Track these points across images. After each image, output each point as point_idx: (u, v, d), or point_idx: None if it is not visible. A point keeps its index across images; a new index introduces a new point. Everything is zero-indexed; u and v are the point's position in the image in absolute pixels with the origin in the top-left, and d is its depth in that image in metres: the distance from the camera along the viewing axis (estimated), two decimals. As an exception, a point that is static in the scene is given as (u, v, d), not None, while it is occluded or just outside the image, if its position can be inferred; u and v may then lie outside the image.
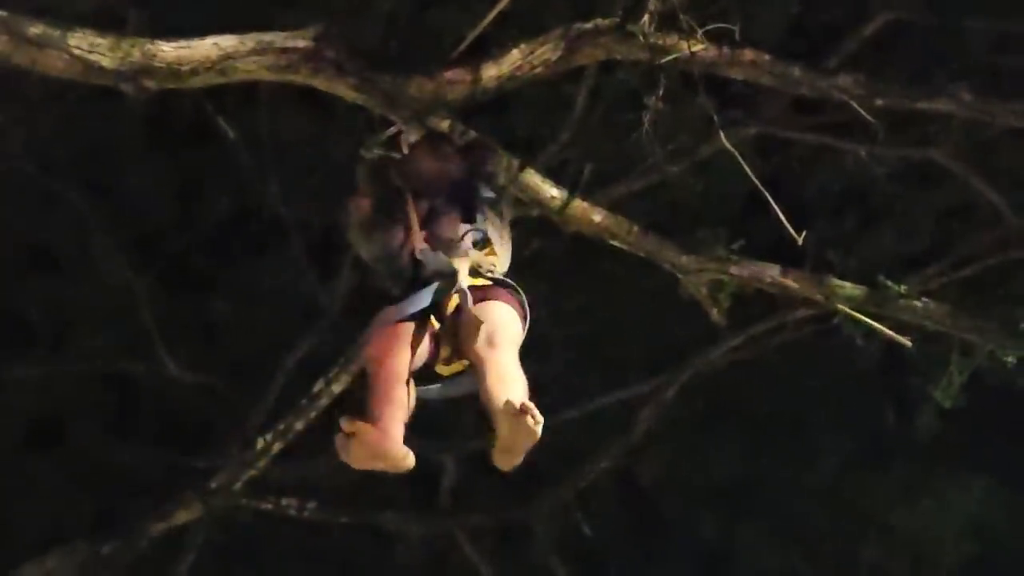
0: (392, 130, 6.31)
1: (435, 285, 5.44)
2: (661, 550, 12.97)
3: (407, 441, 5.09)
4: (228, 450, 10.69)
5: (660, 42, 6.75)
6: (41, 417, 11.30)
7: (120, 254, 10.47)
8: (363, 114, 6.79)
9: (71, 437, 11.48)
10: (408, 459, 5.07)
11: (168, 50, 5.88)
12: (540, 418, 4.80)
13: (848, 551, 12.85)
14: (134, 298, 10.50)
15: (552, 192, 7.08)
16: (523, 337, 5.50)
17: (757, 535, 12.88)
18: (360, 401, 5.15)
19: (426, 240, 5.64)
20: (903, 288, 8.10)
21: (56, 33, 5.67)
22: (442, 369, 5.52)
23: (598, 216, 7.31)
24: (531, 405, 4.81)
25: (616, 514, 12.80)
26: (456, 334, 5.40)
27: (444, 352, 5.46)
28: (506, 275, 5.74)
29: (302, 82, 6.28)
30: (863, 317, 7.94)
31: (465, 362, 5.46)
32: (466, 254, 5.59)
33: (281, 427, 10.34)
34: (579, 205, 7.19)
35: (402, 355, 5.23)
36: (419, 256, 5.59)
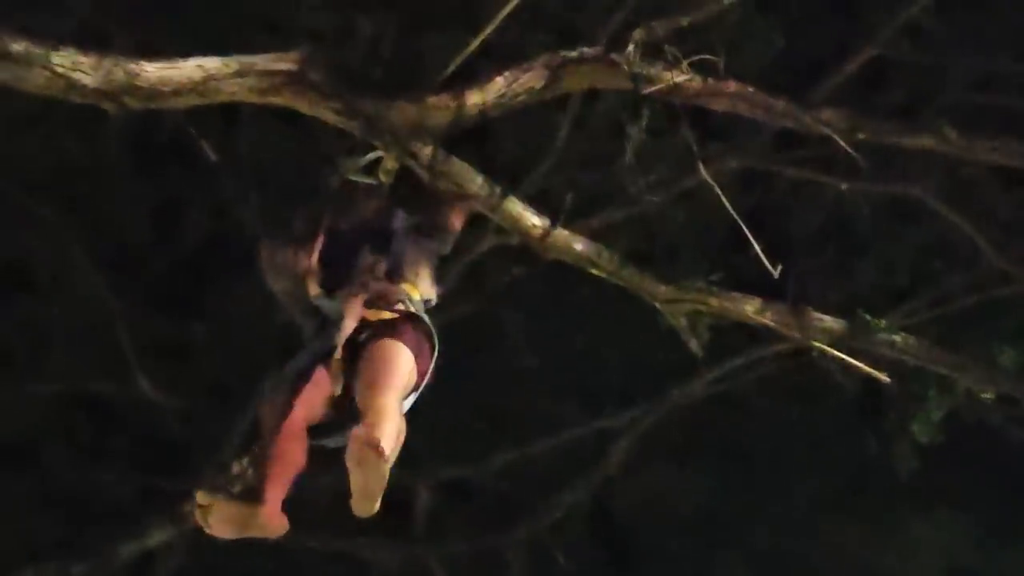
0: (372, 155, 6.30)
1: (313, 345, 5.46)
2: (635, 582, 12.95)
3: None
4: (202, 473, 10.64)
5: (644, 72, 6.75)
6: (14, 437, 11.22)
7: (98, 274, 10.42)
8: (346, 138, 6.78)
9: (44, 458, 11.41)
10: (281, 527, 5.05)
11: (151, 70, 5.85)
12: (386, 454, 4.74)
13: (823, 586, 12.84)
14: (111, 318, 10.45)
15: (534, 220, 7.07)
16: (428, 372, 5.48)
17: (732, 568, 12.85)
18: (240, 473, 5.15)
19: (321, 283, 5.66)
20: (882, 323, 8.11)
21: (39, 51, 5.64)
22: None
23: (579, 245, 7.30)
24: (378, 439, 4.74)
25: (591, 545, 12.77)
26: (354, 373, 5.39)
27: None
28: (428, 303, 5.74)
29: (284, 105, 6.26)
30: (838, 353, 7.94)
31: None
32: (364, 288, 5.58)
33: (256, 450, 10.30)
34: (561, 234, 7.18)
35: (291, 416, 5.23)
36: (314, 302, 5.63)
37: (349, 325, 5.43)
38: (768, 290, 7.89)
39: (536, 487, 11.63)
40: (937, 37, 8.67)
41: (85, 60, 5.73)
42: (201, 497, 4.99)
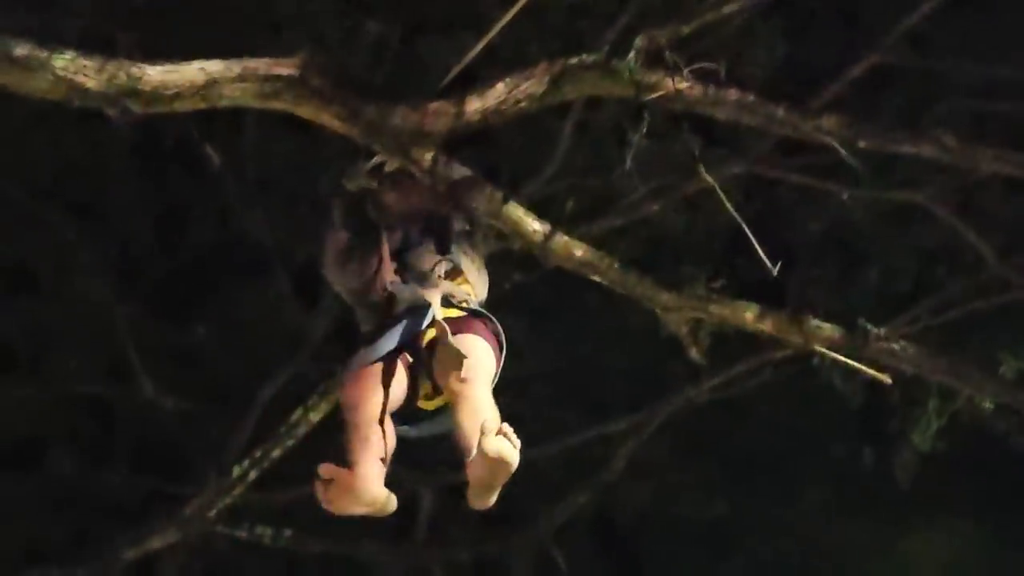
0: (375, 160, 6.30)
1: (404, 323, 5.41)
2: (638, 588, 12.96)
3: (388, 482, 5.05)
4: (205, 476, 10.65)
5: (645, 79, 6.74)
6: (18, 440, 11.24)
7: (102, 277, 10.44)
8: (349, 143, 6.78)
9: (48, 460, 11.43)
10: (390, 502, 5.04)
11: (154, 74, 5.84)
12: (517, 441, 4.74)
13: (826, 593, 12.85)
14: (115, 322, 10.46)
15: (534, 226, 7.05)
16: (499, 369, 5.46)
17: (734, 575, 12.85)
18: (339, 447, 5.10)
19: (397, 272, 5.63)
20: (882, 331, 8.10)
21: (42, 54, 5.64)
22: (425, 404, 5.47)
23: (579, 251, 7.28)
24: (508, 428, 4.76)
25: (593, 551, 12.77)
26: (432, 369, 5.35)
27: (424, 388, 5.41)
28: (482, 305, 5.72)
29: (286, 109, 6.27)
30: (841, 357, 7.92)
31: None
32: (437, 285, 5.57)
33: (258, 454, 10.31)
34: (561, 240, 7.16)
35: (375, 398, 5.18)
36: (390, 288, 5.57)
37: (439, 311, 5.39)
38: (770, 297, 7.89)
39: (539, 493, 11.62)
40: (940, 44, 8.68)
41: (88, 64, 5.72)
42: (324, 470, 4.97)
